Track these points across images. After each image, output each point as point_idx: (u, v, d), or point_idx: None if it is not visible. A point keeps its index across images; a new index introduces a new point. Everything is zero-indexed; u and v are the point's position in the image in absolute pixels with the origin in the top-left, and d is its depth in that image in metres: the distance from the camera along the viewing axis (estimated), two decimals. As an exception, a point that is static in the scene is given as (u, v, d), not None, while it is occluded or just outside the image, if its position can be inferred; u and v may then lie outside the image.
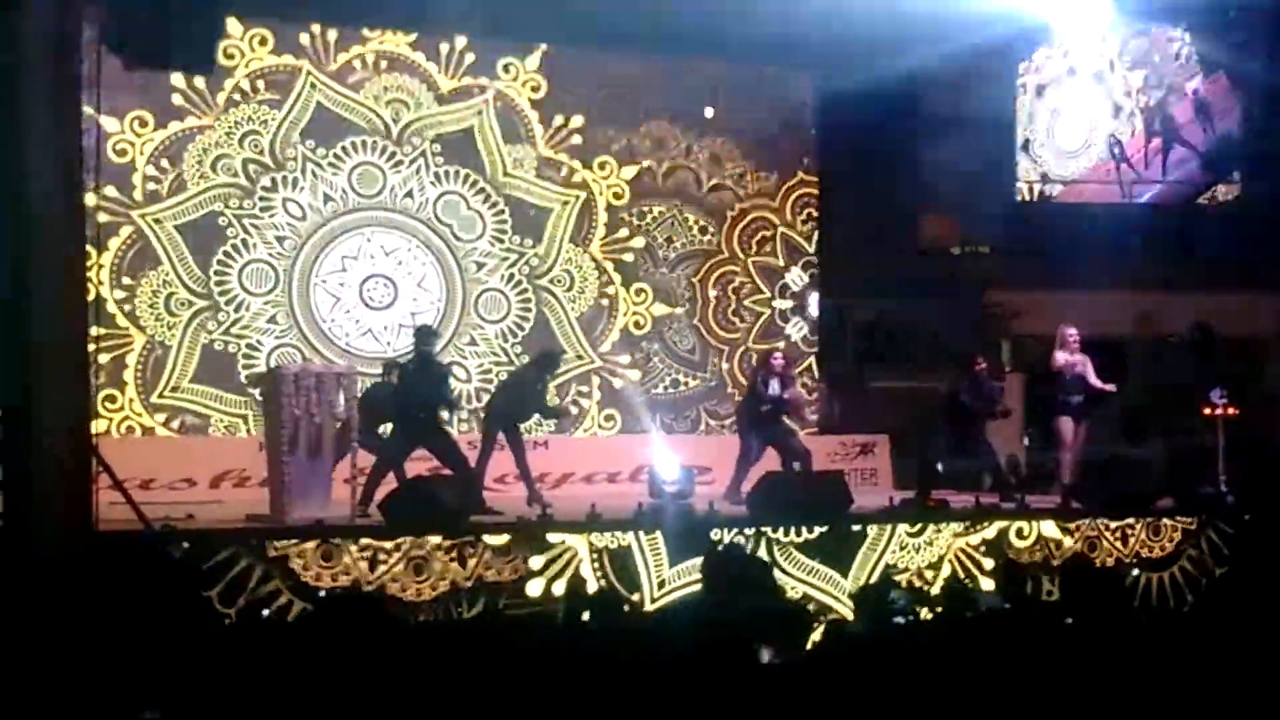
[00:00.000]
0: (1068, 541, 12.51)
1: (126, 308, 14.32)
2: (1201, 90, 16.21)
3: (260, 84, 14.80)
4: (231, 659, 6.99)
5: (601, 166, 16.13)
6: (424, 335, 12.60)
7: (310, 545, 10.42)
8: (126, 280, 14.35)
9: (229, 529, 10.73)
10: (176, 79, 14.10)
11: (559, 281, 15.89)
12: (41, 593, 8.32)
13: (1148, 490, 13.39)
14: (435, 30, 15.25)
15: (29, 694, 6.66)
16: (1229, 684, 5.95)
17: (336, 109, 15.08)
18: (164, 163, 14.44)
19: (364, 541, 10.57)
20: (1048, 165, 16.93)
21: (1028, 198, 17.03)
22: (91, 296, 13.02)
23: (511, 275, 15.70)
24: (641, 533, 11.26)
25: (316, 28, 14.98)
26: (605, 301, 16.09)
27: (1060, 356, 13.66)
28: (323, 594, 10.11)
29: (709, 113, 16.47)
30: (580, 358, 15.87)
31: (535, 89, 15.85)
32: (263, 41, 14.76)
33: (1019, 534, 12.38)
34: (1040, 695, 5.80)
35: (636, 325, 16.17)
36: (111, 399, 14.04)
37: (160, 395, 14.37)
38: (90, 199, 13.79)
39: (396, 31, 15.28)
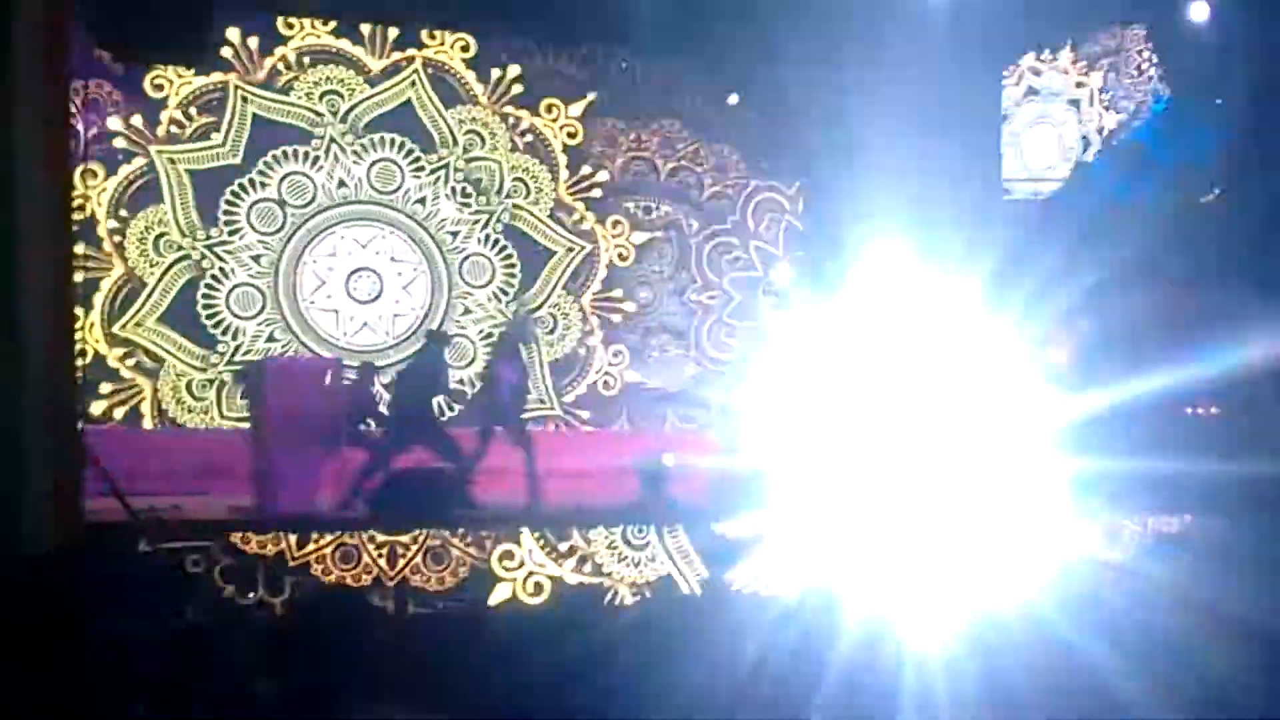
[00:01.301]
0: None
1: (116, 237, 14.27)
2: (1168, 107, 16.26)
3: (306, 57, 14.89)
4: (214, 651, 7.01)
5: (615, 225, 16.15)
6: (436, 338, 13.00)
7: (293, 538, 10.47)
8: (123, 212, 14.30)
9: (214, 520, 10.74)
10: (232, 33, 14.14)
11: (543, 323, 15.78)
12: (31, 583, 8.33)
13: (1127, 485, 13.43)
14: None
15: (20, 687, 6.65)
16: (1204, 669, 6.00)
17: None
18: (193, 109, 14.46)
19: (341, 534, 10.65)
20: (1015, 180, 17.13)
21: (1012, 196, 17.16)
22: (85, 215, 13.07)
23: (487, 235, 15.60)
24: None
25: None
26: (582, 351, 16.01)
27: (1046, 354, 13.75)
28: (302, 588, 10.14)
29: (711, 114, 16.44)
30: (542, 402, 15.78)
31: (572, 134, 15.91)
32: (325, 21, 14.87)
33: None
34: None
35: (605, 385, 16.12)
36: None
37: (123, 328, 14.29)
38: (114, 123, 13.94)
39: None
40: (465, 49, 15.51)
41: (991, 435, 11.95)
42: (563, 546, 11.27)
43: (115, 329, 14.26)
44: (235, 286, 14.66)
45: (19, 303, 9.36)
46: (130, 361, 14.33)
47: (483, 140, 15.55)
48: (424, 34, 15.31)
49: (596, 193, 16.04)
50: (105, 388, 14.17)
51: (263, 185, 14.81)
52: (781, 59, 14.79)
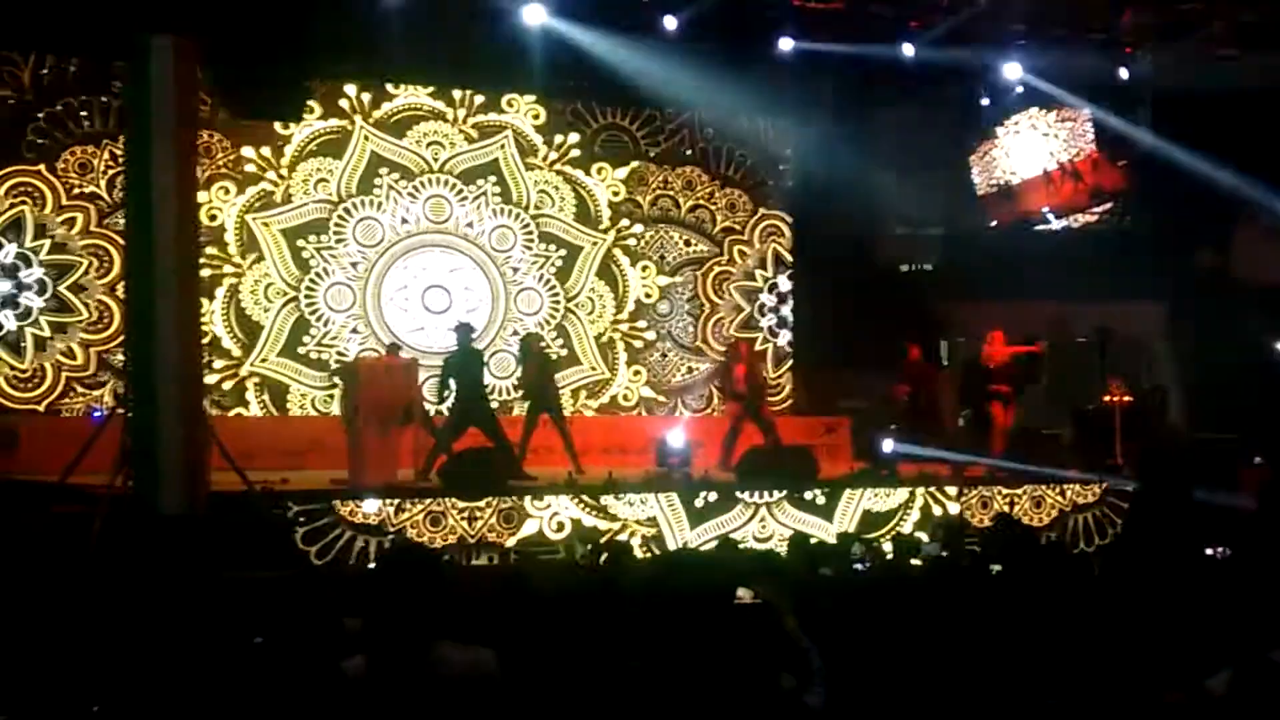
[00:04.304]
0: (993, 502, 12.52)
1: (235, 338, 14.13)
2: (1096, 152, 16.64)
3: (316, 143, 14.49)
4: (317, 596, 7.02)
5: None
6: (462, 330, 12.49)
7: (391, 506, 10.43)
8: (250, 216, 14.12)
9: (316, 490, 10.72)
10: (247, 151, 13.97)
11: (582, 305, 15.62)
12: (166, 542, 8.38)
13: (1059, 461, 13.38)
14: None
15: (157, 623, 6.68)
16: (1122, 617, 5.95)
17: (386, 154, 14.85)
18: (248, 217, 14.14)
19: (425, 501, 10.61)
20: (1007, 181, 17.22)
21: (962, 226, 17.28)
22: (208, 340, 12.98)
23: (541, 275, 15.43)
24: (665, 503, 11.28)
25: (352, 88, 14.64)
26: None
27: (990, 353, 13.69)
28: (388, 543, 10.09)
29: (719, 160, 16.36)
30: (594, 369, 15.65)
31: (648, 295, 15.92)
32: (310, 109, 14.10)
33: (957, 495, 12.41)
34: (971, 624, 5.81)
35: (646, 295, 15.96)
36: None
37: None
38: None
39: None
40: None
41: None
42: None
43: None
44: (333, 284, 14.48)
45: (155, 315, 9.43)
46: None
47: (588, 258, 15.58)
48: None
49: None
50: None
51: (374, 204, 14.68)
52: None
